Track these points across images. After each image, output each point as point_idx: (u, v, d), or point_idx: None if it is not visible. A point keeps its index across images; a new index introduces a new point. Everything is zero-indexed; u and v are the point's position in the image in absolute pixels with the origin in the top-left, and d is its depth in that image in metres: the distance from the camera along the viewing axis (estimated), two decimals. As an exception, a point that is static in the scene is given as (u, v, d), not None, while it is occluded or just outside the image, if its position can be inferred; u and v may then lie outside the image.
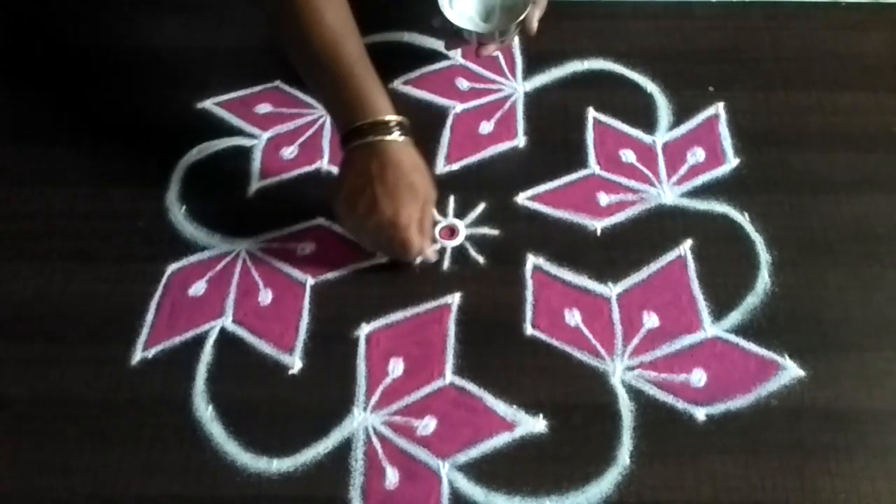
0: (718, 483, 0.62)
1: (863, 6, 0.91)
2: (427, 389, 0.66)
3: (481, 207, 0.77)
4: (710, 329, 0.69)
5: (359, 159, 0.68)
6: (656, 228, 0.75)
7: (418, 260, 0.72)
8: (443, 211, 0.76)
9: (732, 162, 0.79)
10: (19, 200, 0.78)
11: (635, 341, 0.69)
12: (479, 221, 0.76)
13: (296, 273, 0.73)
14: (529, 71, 0.87)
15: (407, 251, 0.69)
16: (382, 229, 0.68)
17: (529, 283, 0.72)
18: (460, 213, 0.76)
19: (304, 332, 0.70)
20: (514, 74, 0.87)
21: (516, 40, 0.88)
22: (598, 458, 0.63)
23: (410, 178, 0.68)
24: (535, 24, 0.78)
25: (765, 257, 0.73)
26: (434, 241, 0.73)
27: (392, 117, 0.68)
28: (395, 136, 0.68)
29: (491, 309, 0.71)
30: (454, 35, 0.80)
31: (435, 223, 0.74)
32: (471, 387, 0.66)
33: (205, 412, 0.66)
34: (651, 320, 0.70)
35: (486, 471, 0.63)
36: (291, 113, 0.84)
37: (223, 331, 0.70)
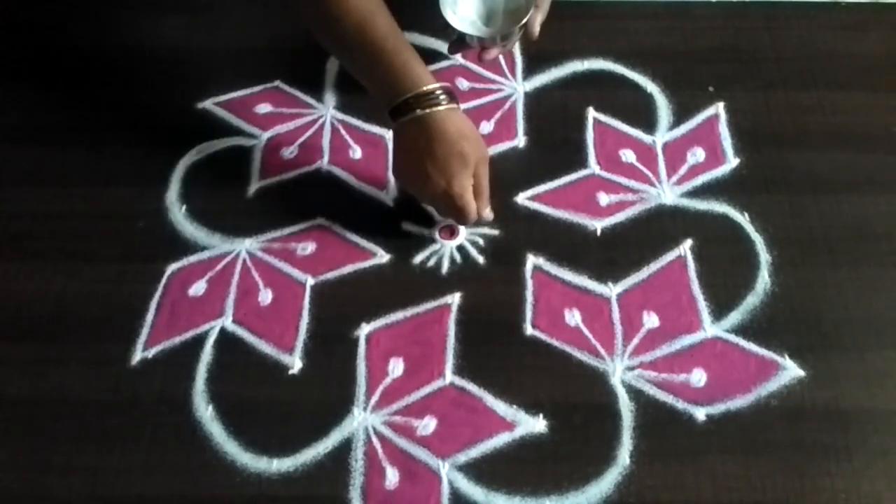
0: (718, 483, 0.62)
1: (863, 6, 0.91)
2: (427, 389, 0.66)
3: (481, 207, 0.77)
4: (710, 329, 0.69)
5: (407, 135, 0.69)
6: (656, 228, 0.75)
7: (487, 215, 0.74)
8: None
9: (732, 162, 0.79)
10: (19, 200, 0.78)
11: (635, 341, 0.69)
12: (479, 221, 0.76)
13: (296, 273, 0.73)
14: (529, 71, 0.87)
15: (464, 218, 0.71)
16: (438, 199, 0.70)
17: (529, 283, 0.72)
18: (460, 213, 0.76)
19: (304, 332, 0.70)
20: (514, 74, 0.87)
21: (517, 41, 0.88)
22: (598, 458, 0.63)
23: (458, 146, 0.68)
24: (537, 29, 0.78)
25: (765, 257, 0.73)
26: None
27: (434, 85, 0.69)
28: (441, 105, 0.68)
29: (491, 309, 0.71)
30: (456, 39, 0.80)
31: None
32: (471, 387, 0.66)
33: (205, 412, 0.66)
34: (651, 320, 0.70)
35: (486, 471, 0.63)
36: (291, 113, 0.84)
37: (223, 331, 0.70)
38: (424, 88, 0.68)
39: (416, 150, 0.69)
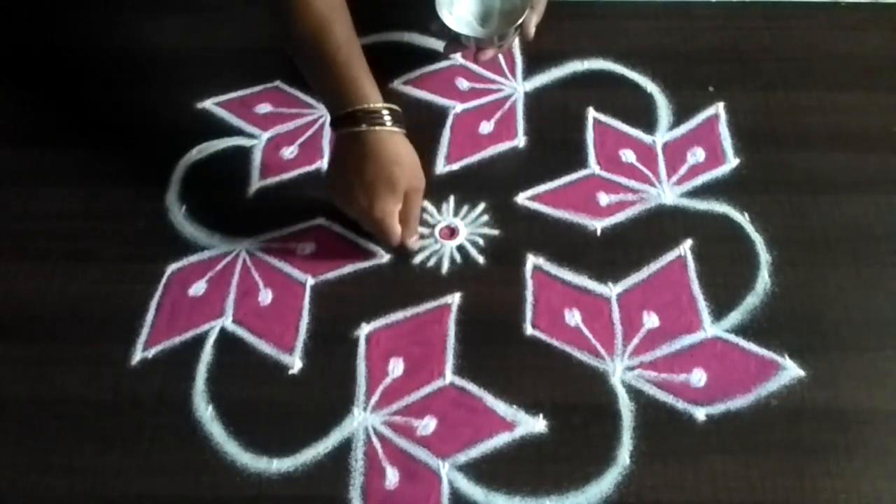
0: (718, 483, 0.62)
1: (863, 6, 0.91)
2: (427, 389, 0.66)
3: (481, 207, 0.77)
4: (710, 329, 0.69)
5: (342, 148, 0.70)
6: (656, 228, 0.75)
7: (410, 244, 0.73)
8: (443, 211, 0.77)
9: (732, 162, 0.79)
10: (19, 200, 0.79)
11: (635, 341, 0.69)
12: (479, 221, 0.76)
13: (296, 273, 0.73)
14: (529, 71, 0.87)
15: (385, 239, 0.72)
16: (361, 217, 0.71)
17: (529, 283, 0.72)
18: (460, 213, 0.76)
19: (304, 332, 0.70)
20: (514, 74, 0.87)
21: (516, 41, 0.88)
22: (598, 458, 0.63)
23: (388, 170, 0.68)
24: (532, 29, 0.78)
25: (765, 257, 0.73)
26: (419, 233, 0.74)
27: (380, 105, 0.68)
28: (382, 125, 0.67)
29: (491, 309, 0.71)
30: (452, 40, 0.80)
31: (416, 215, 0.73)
32: (471, 387, 0.66)
33: (205, 412, 0.66)
34: (651, 320, 0.70)
35: (486, 471, 0.63)
36: (291, 113, 0.84)
37: (223, 331, 0.70)
38: (368, 106, 0.67)
39: (347, 166, 0.69)
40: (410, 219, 0.72)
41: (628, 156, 0.80)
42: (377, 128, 0.67)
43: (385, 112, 0.68)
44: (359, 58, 0.69)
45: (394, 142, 0.69)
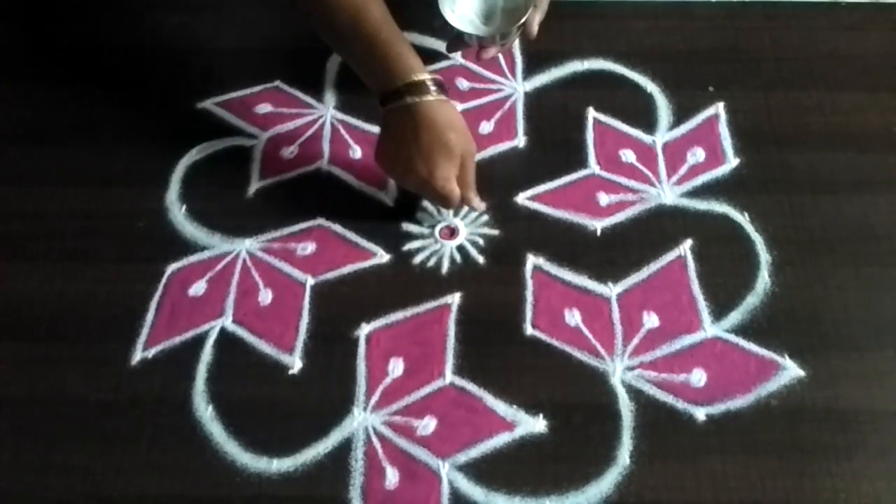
0: (718, 483, 0.62)
1: (863, 6, 0.91)
2: (427, 389, 0.66)
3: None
4: (710, 329, 0.69)
5: (395, 123, 0.70)
6: (656, 228, 0.75)
7: (477, 205, 0.74)
8: (443, 211, 0.76)
9: (732, 162, 0.79)
10: (19, 200, 0.78)
11: (635, 341, 0.69)
12: (479, 221, 0.76)
13: (296, 273, 0.73)
14: (529, 71, 0.87)
15: (447, 204, 0.72)
16: (421, 186, 0.71)
17: (529, 283, 0.72)
18: (460, 213, 0.76)
19: (304, 332, 0.70)
20: (514, 74, 0.87)
21: (516, 41, 0.88)
22: (598, 458, 0.63)
23: (445, 136, 0.69)
24: (535, 28, 0.78)
25: (765, 257, 0.73)
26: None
27: (425, 76, 0.69)
28: (431, 95, 0.69)
29: (491, 309, 0.71)
30: (455, 38, 0.80)
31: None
32: (471, 387, 0.66)
33: (205, 412, 0.66)
34: (651, 320, 0.70)
35: (486, 471, 0.63)
36: (291, 113, 0.84)
37: (223, 331, 0.70)
38: (415, 78, 0.68)
39: (402, 138, 0.69)
40: (470, 181, 0.73)
41: (628, 156, 0.80)
42: (427, 97, 0.68)
43: (430, 82, 0.69)
44: (398, 33, 0.70)
45: (444, 109, 0.69)
